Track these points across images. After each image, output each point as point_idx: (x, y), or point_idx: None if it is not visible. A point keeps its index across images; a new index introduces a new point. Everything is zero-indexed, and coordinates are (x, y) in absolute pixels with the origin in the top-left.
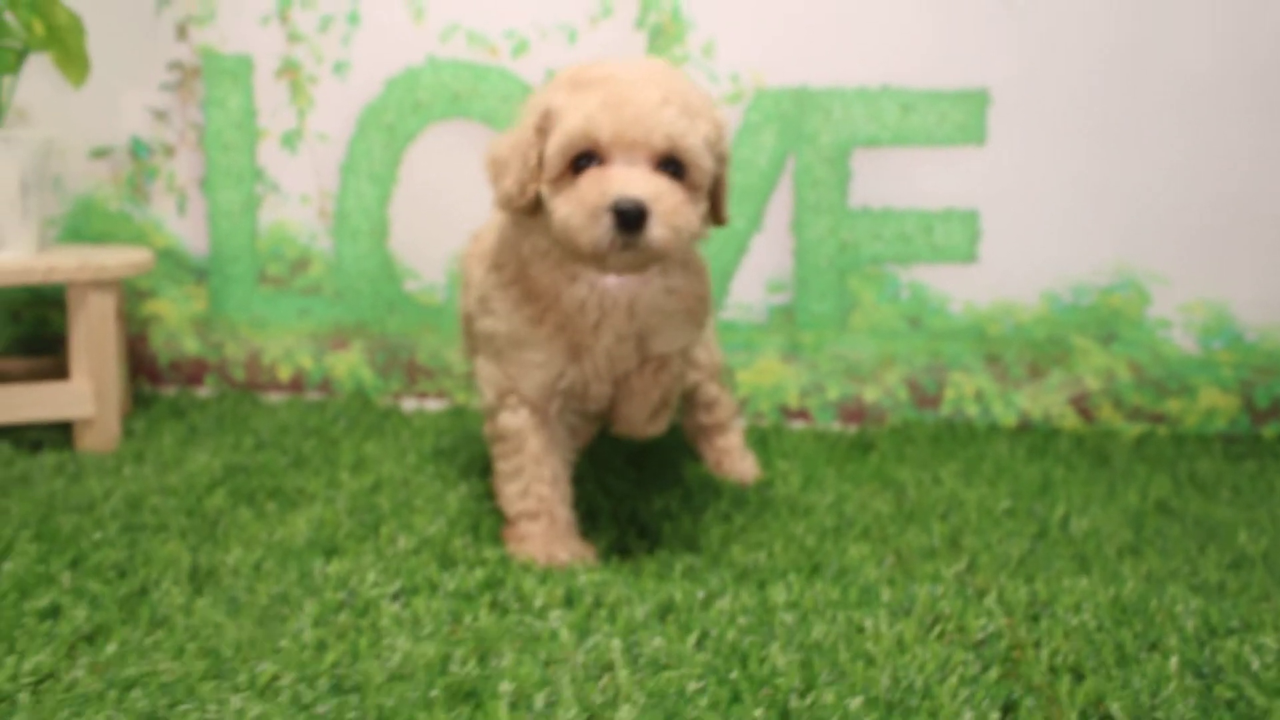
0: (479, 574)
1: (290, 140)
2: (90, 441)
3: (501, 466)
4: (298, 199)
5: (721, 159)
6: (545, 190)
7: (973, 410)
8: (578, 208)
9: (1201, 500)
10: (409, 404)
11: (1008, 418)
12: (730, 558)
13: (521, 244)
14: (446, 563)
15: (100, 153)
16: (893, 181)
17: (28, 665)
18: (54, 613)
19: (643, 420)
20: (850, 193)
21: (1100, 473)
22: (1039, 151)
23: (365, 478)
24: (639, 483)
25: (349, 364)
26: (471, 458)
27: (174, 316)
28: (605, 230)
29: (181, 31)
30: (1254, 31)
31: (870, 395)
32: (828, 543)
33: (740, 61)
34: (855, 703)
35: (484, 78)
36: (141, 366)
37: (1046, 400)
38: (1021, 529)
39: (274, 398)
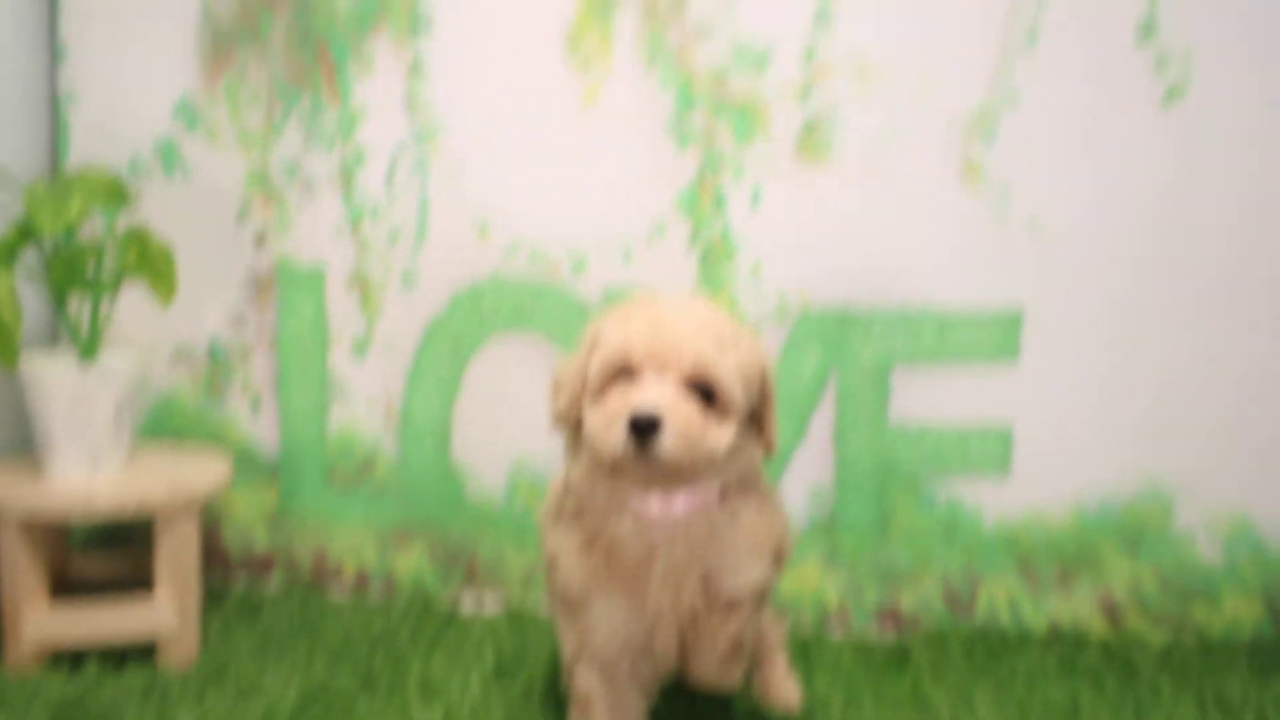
0: None
1: (360, 347)
2: (172, 655)
3: None
4: (365, 403)
5: (764, 394)
6: (586, 406)
7: (1005, 616)
8: (601, 416)
9: None
10: (468, 599)
11: (1038, 623)
12: None
13: (575, 472)
14: None
15: (182, 353)
16: (930, 397)
17: None
18: None
19: (714, 670)
20: (889, 407)
21: (1128, 694)
22: (1069, 368)
23: (434, 710)
24: (690, 714)
25: (411, 562)
26: (530, 678)
27: (245, 511)
28: (620, 437)
29: (260, 241)
30: (1276, 245)
31: (907, 601)
32: None
33: (786, 281)
34: None
35: (544, 294)
36: (213, 557)
37: (1075, 606)
38: None
39: (338, 596)
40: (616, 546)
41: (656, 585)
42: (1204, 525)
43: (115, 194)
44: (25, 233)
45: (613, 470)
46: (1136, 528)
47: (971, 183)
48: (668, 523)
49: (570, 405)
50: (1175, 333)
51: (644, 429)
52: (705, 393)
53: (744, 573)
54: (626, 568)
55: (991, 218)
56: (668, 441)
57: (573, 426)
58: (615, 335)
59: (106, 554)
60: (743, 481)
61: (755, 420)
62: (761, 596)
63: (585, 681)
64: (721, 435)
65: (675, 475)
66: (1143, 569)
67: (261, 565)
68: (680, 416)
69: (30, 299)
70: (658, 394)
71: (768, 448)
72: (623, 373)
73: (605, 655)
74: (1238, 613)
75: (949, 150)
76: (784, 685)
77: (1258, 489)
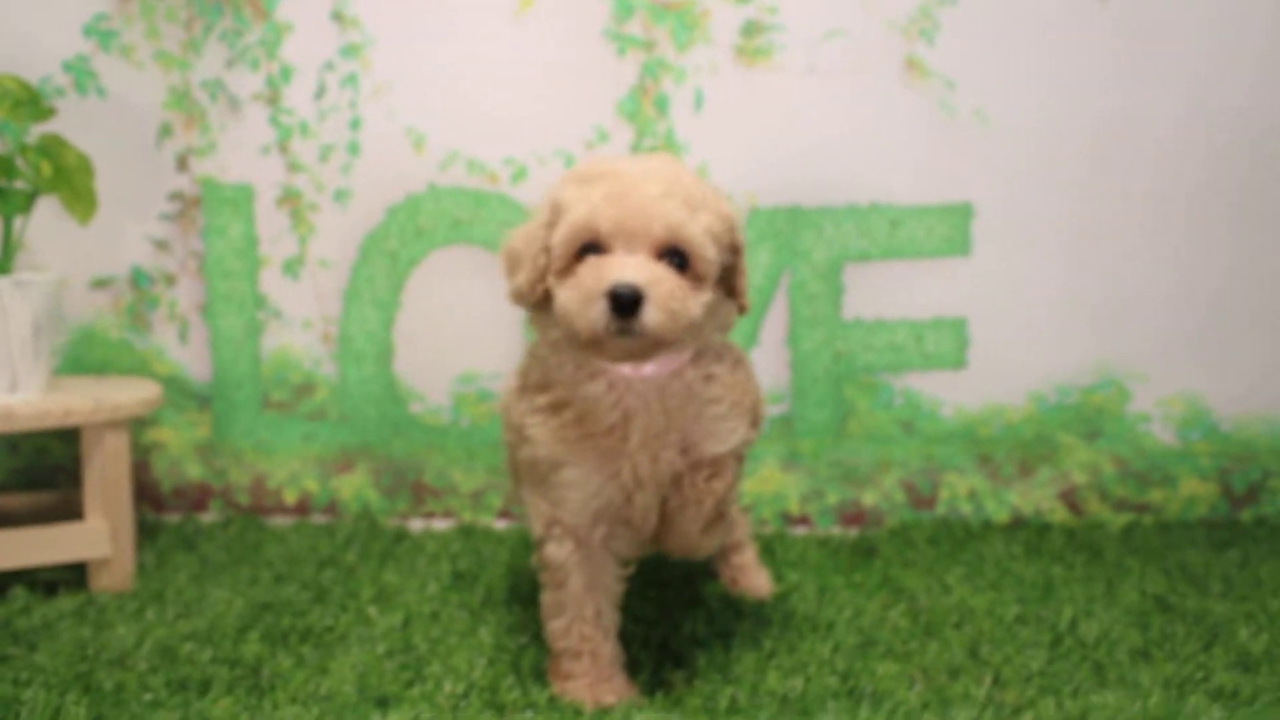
0: None
1: (292, 267)
2: (106, 581)
3: (546, 598)
4: (300, 325)
5: (734, 250)
6: (552, 281)
7: (967, 509)
8: (575, 293)
9: (1197, 595)
10: (416, 524)
11: (1000, 514)
12: (768, 686)
13: (541, 345)
14: (498, 709)
15: (101, 283)
16: (884, 293)
17: None
18: None
19: (696, 535)
20: (843, 305)
21: (1096, 569)
22: (1021, 260)
23: (393, 613)
24: (661, 604)
25: (355, 486)
26: (490, 582)
27: (177, 444)
28: (601, 314)
29: (182, 163)
30: (1225, 143)
31: (869, 499)
32: (857, 663)
33: (734, 183)
34: None
35: (484, 204)
36: (144, 493)
37: (1036, 496)
38: (1036, 638)
39: (280, 521)
40: (588, 411)
41: (635, 449)
42: (1159, 410)
43: (27, 102)
44: None
45: (590, 347)
46: (1094, 415)
47: (915, 79)
48: (641, 386)
49: (532, 281)
50: (1125, 222)
51: (626, 305)
52: (678, 258)
53: (724, 434)
54: (599, 433)
55: (936, 114)
56: (651, 315)
57: (535, 302)
58: (579, 206)
59: (28, 494)
60: (715, 343)
61: (725, 278)
62: (741, 459)
63: (559, 552)
64: (699, 301)
65: (657, 349)
66: (1101, 456)
67: (196, 498)
68: (662, 289)
69: None
70: (634, 267)
71: (742, 307)
72: (590, 246)
73: (579, 523)
74: (1193, 494)
75: (890, 48)
76: (755, 575)
77: (1211, 373)
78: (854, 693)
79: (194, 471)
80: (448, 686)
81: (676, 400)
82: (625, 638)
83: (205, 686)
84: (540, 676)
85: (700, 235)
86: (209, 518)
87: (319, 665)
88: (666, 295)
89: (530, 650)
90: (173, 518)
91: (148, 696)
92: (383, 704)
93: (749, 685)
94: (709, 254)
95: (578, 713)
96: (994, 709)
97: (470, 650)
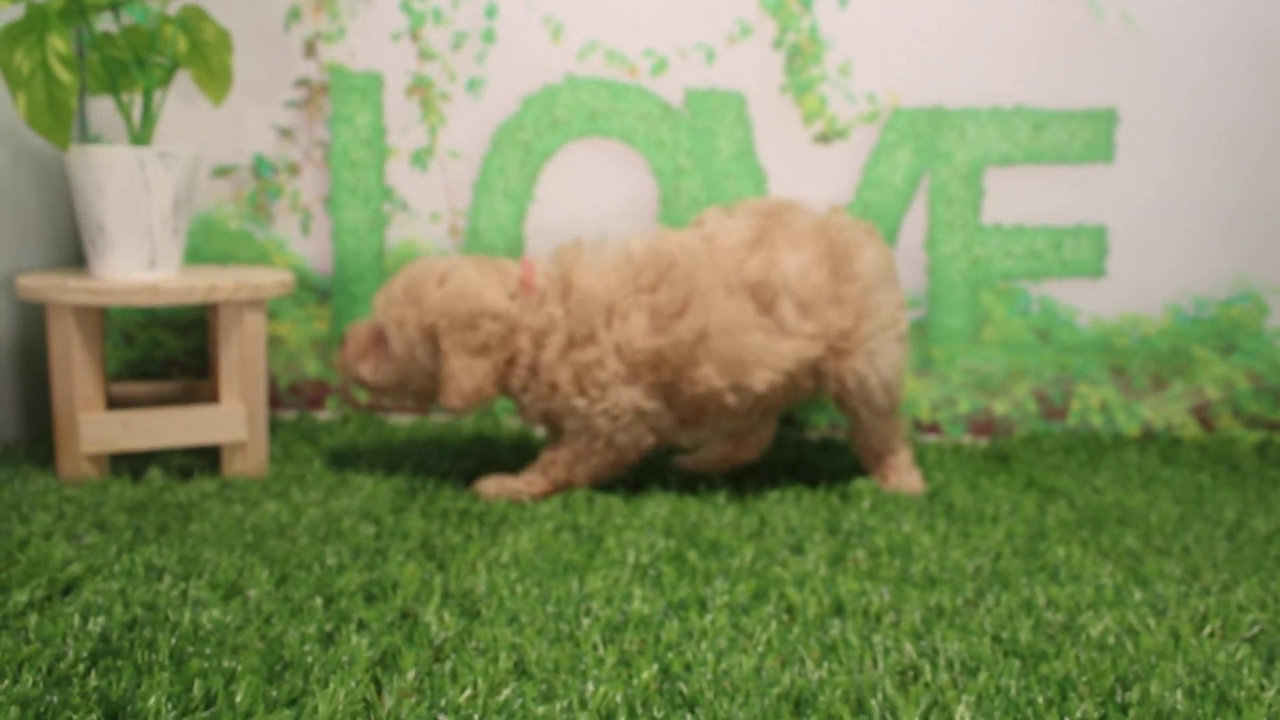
0: (743, 588)
1: (420, 158)
2: (240, 466)
3: None
4: (428, 217)
5: None
6: None
7: (1097, 421)
8: None
9: None
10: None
11: (1131, 427)
12: (953, 561)
13: None
14: (692, 575)
15: (223, 171)
16: (1024, 199)
17: (342, 695)
18: (329, 639)
19: None
20: (983, 210)
21: (1239, 479)
22: (1164, 169)
23: (549, 499)
24: (817, 494)
25: None
26: (638, 470)
27: (295, 338)
28: None
29: (310, 49)
30: None
31: (1000, 408)
32: (1039, 545)
33: (877, 82)
34: (1176, 697)
35: (622, 96)
36: None
37: (1168, 410)
38: (1210, 531)
39: (398, 419)
40: None
41: None
42: None
43: None
44: (75, 4)
45: None
46: (1230, 329)
47: None
48: None
49: None
50: (1271, 133)
51: None
52: None
53: None
54: None
55: (1084, 16)
56: None
57: None
58: None
59: (151, 382)
60: None
61: None
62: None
63: None
64: None
65: None
66: (1236, 371)
67: (313, 395)
68: None
69: None
70: None
71: None
72: None
73: None
74: None
75: None
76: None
77: None
78: (1046, 569)
79: (311, 368)
80: (631, 556)
81: None
82: (793, 525)
83: (382, 554)
84: (719, 550)
85: None
86: (325, 415)
87: (490, 540)
88: None
89: (704, 529)
90: (288, 415)
91: (330, 561)
92: (573, 569)
93: (937, 562)
94: None
95: (781, 581)
96: (1199, 587)
97: (640, 529)
